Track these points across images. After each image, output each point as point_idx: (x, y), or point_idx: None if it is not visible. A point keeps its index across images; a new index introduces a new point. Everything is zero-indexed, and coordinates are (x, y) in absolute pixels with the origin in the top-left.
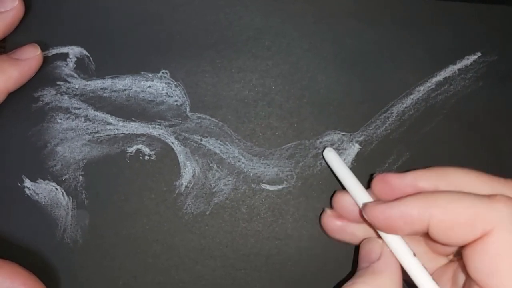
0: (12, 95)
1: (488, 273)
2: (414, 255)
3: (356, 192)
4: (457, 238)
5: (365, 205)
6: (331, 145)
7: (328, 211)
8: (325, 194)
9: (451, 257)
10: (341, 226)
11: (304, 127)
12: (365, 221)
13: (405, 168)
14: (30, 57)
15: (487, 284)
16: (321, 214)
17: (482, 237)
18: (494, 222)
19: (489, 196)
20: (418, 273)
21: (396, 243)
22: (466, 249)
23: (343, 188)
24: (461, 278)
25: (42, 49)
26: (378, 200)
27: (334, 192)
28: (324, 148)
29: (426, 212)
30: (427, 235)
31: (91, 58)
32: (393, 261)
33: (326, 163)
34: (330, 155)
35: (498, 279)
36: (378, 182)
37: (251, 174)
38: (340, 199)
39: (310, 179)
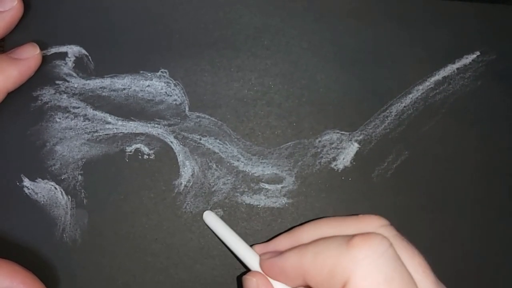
0: (11, 95)
1: None
2: None
3: (244, 254)
4: None
5: (260, 258)
6: (330, 144)
7: None
8: (324, 193)
9: None
10: None
11: (303, 126)
12: None
13: (404, 167)
14: (29, 56)
15: None
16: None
17: (343, 287)
18: (350, 270)
19: (348, 240)
20: None
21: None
22: None
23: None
24: None
25: (41, 48)
26: (271, 253)
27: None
28: (203, 213)
29: (299, 266)
30: None
31: (90, 57)
32: None
33: (208, 226)
34: (210, 219)
35: None
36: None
37: (250, 173)
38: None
39: (309, 178)
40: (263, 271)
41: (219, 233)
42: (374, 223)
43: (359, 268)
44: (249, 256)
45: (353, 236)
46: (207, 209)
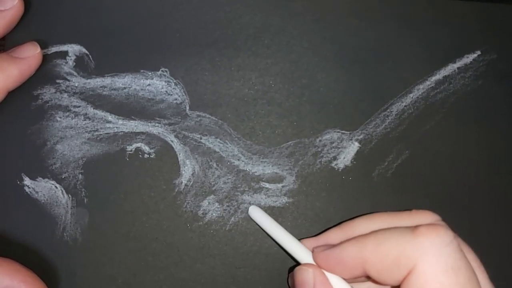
0: (12, 94)
1: None
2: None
3: (295, 249)
4: (391, 278)
5: (313, 251)
6: (331, 143)
7: None
8: (325, 192)
9: None
10: None
11: (303, 125)
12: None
13: (405, 166)
14: (30, 55)
15: None
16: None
17: (408, 274)
18: (416, 258)
19: (413, 229)
20: None
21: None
22: (402, 286)
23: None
24: None
25: (42, 47)
26: (324, 246)
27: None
28: (248, 208)
29: (359, 256)
30: None
31: (90, 56)
32: None
33: (254, 221)
34: (257, 214)
35: None
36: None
37: (251, 173)
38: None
39: (309, 177)
40: (317, 263)
41: (266, 228)
42: (428, 218)
43: (426, 255)
44: (300, 249)
45: (417, 226)
46: (252, 204)
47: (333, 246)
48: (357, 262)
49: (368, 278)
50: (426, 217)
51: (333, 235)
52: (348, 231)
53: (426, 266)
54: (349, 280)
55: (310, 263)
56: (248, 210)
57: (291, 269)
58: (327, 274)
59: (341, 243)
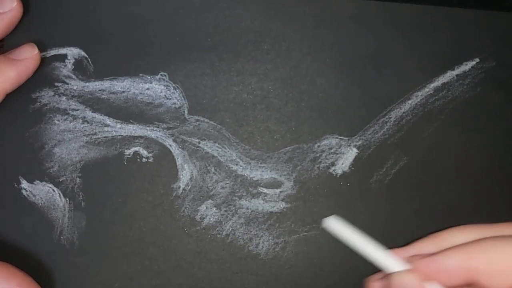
0: (10, 96)
1: None
2: None
3: (387, 260)
4: (501, 284)
5: (411, 261)
6: (329, 149)
7: None
8: (323, 198)
9: None
10: None
11: (302, 131)
12: None
13: (403, 172)
14: (27, 57)
15: None
16: None
17: None
18: None
19: None
20: None
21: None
22: None
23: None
24: None
25: (40, 50)
26: (421, 255)
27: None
28: (326, 219)
29: (465, 263)
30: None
31: (89, 59)
32: None
33: (333, 233)
34: (337, 226)
35: None
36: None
37: (249, 178)
38: None
39: (307, 183)
40: (416, 271)
41: (350, 240)
42: None
43: None
44: (393, 259)
45: None
46: (330, 216)
47: (433, 254)
48: (462, 270)
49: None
50: None
51: (426, 246)
52: (442, 241)
53: None
54: None
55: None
56: (324, 222)
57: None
58: (428, 283)
59: (443, 251)
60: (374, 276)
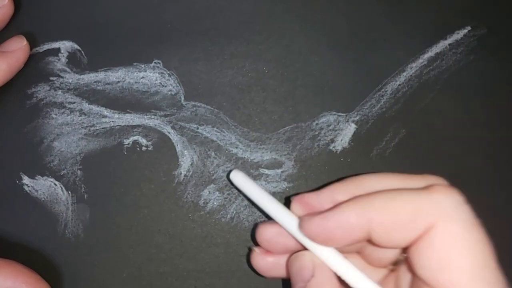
0: (6, 93)
1: (437, 269)
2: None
3: (280, 214)
4: (401, 238)
5: (301, 220)
6: (327, 126)
7: (256, 250)
8: (324, 175)
9: (390, 267)
10: (274, 263)
11: (299, 110)
12: (297, 242)
13: (403, 145)
14: (17, 48)
15: (438, 281)
16: (249, 254)
17: (426, 232)
18: (436, 215)
19: (426, 188)
20: (358, 279)
21: (329, 254)
22: (412, 248)
23: (255, 207)
24: (405, 285)
25: (33, 45)
26: (312, 213)
27: (255, 227)
28: (229, 172)
29: (364, 217)
30: (362, 248)
31: (82, 52)
32: (329, 275)
33: (234, 186)
34: (238, 178)
35: (449, 273)
36: (297, 205)
37: (249, 160)
38: (264, 233)
39: (308, 162)
40: (310, 231)
41: (249, 193)
42: (440, 181)
43: (446, 212)
44: (284, 216)
45: (431, 185)
46: (234, 168)
47: (330, 209)
48: (361, 223)
49: (362, 249)
50: (435, 180)
51: (339, 192)
52: (359, 187)
53: (449, 223)
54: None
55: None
56: (230, 174)
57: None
58: (320, 249)
59: (342, 203)
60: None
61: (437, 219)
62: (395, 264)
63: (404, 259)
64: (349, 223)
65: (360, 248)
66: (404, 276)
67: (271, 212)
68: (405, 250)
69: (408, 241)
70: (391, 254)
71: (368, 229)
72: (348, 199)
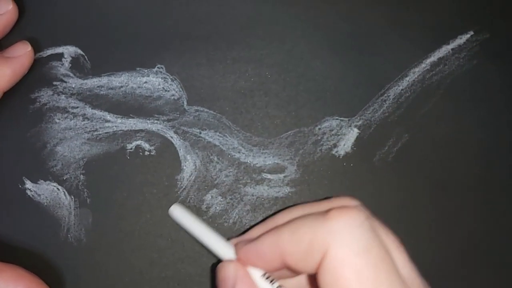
0: (9, 97)
1: None
2: (269, 277)
3: (217, 245)
4: (307, 265)
5: (236, 246)
6: (330, 131)
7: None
8: (327, 180)
9: None
10: None
11: (302, 114)
12: None
13: (405, 150)
14: (21, 54)
15: None
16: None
17: (322, 259)
18: (328, 241)
19: (324, 214)
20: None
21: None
22: (317, 274)
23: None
24: None
25: (37, 50)
26: (245, 241)
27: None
28: (170, 208)
29: (276, 246)
30: None
31: (86, 56)
32: (250, 286)
33: (176, 221)
34: (177, 213)
35: None
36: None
37: (252, 164)
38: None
39: (311, 166)
40: (238, 258)
41: (187, 227)
42: (348, 203)
43: (337, 238)
44: (223, 246)
45: (329, 210)
46: (175, 203)
47: (253, 240)
48: (275, 253)
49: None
50: (345, 202)
51: (257, 230)
52: (270, 224)
53: (338, 249)
54: (275, 274)
55: (232, 259)
56: (168, 210)
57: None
58: (250, 269)
59: (260, 235)
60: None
61: (329, 246)
62: None
63: None
64: (264, 252)
65: None
66: None
67: (207, 242)
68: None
69: (314, 268)
70: None
71: (281, 257)
72: (267, 230)
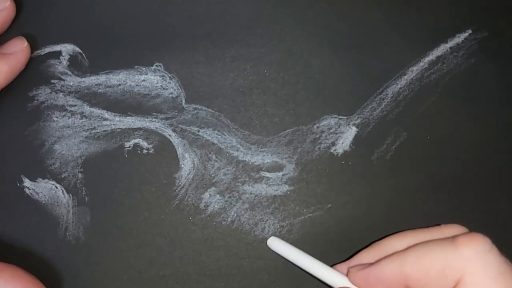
0: (7, 96)
1: None
2: None
3: (328, 274)
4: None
5: (349, 271)
6: (328, 129)
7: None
8: (325, 178)
9: None
10: None
11: (300, 113)
12: None
13: (404, 148)
14: (18, 50)
15: None
16: None
17: (456, 285)
18: (462, 268)
19: (452, 240)
20: None
21: None
22: None
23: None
24: None
25: (34, 48)
26: (359, 265)
27: None
28: (268, 239)
29: (400, 272)
30: None
31: (84, 54)
32: None
33: (275, 252)
34: (278, 245)
35: None
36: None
37: (250, 163)
38: None
39: (309, 165)
40: (355, 284)
41: (291, 258)
42: (459, 230)
43: (472, 265)
44: (333, 274)
45: (456, 236)
46: (272, 236)
47: (370, 264)
48: (398, 278)
49: None
50: (456, 229)
51: (366, 256)
52: (381, 249)
53: (474, 276)
54: None
55: (347, 286)
56: (267, 241)
57: None
58: None
59: (379, 260)
60: None
61: (464, 273)
62: None
63: None
64: (386, 278)
65: None
66: None
67: (318, 273)
68: None
69: None
70: None
71: (405, 282)
72: (388, 255)
